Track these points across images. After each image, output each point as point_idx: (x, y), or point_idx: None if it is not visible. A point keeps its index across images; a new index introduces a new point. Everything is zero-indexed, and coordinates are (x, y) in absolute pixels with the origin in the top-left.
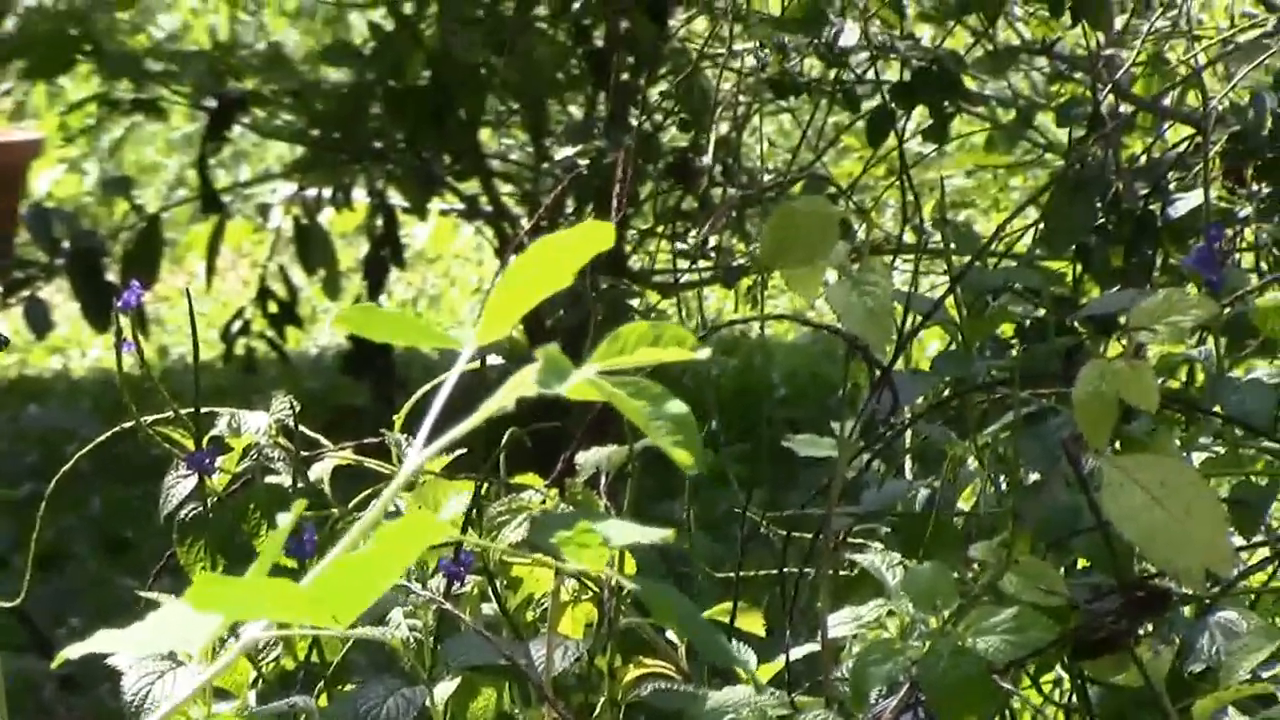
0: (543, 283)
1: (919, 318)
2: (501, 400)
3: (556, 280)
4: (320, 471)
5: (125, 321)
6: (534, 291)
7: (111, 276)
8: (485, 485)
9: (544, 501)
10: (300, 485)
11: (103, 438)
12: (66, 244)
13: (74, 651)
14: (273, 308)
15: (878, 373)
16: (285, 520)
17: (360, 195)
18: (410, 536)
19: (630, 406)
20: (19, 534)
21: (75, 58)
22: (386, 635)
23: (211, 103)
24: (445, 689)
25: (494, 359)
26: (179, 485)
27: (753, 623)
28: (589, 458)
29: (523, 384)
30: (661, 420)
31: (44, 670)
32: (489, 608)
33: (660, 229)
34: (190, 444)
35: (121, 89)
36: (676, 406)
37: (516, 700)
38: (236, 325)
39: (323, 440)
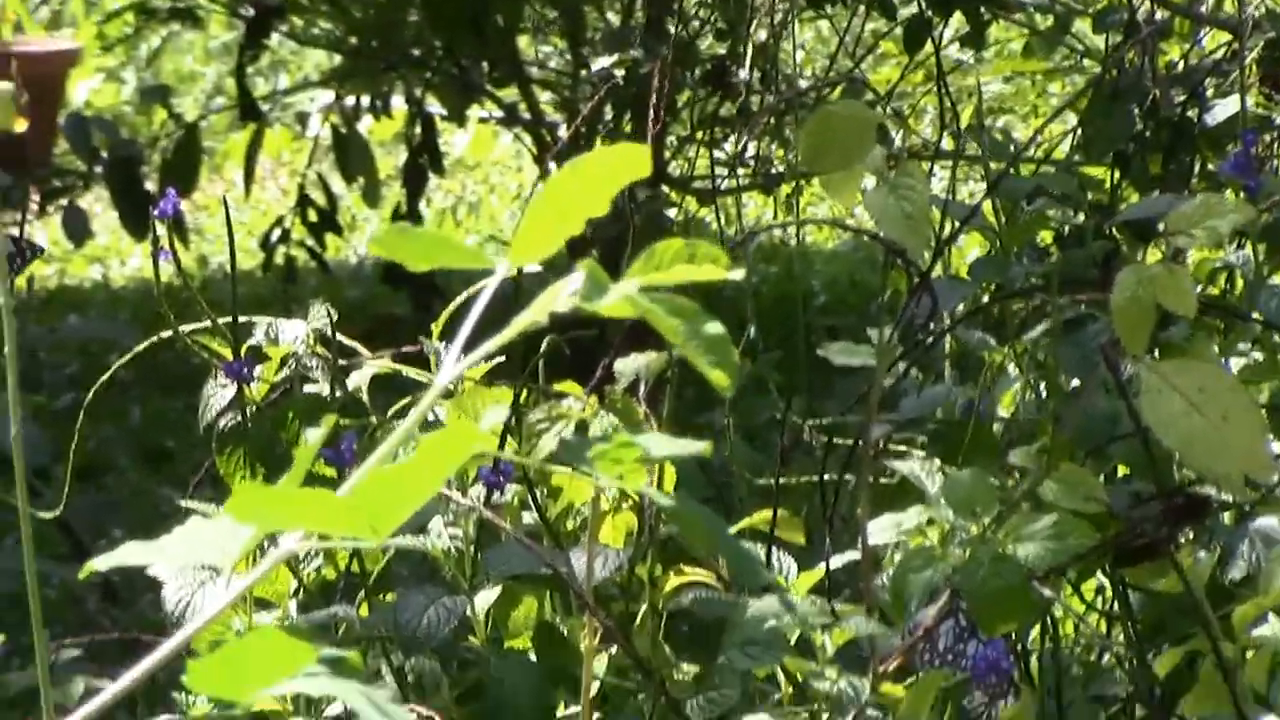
0: (577, 207)
1: (957, 223)
2: (536, 314)
3: (591, 206)
4: (359, 380)
5: (162, 230)
6: (568, 216)
7: (150, 185)
8: (524, 393)
9: (583, 410)
10: (338, 394)
11: (141, 347)
12: (105, 153)
13: (103, 563)
14: (312, 216)
15: (916, 279)
16: (319, 431)
17: (399, 103)
18: (450, 447)
19: (667, 324)
20: (59, 444)
21: None
22: (427, 545)
23: (249, 11)
24: (486, 598)
25: (532, 266)
26: (218, 395)
27: (793, 531)
28: (628, 365)
29: (556, 298)
30: (698, 339)
31: (86, 582)
32: (529, 516)
33: (699, 135)
34: (229, 354)
35: None
36: (713, 326)
37: (558, 609)
38: (276, 234)
39: (360, 349)
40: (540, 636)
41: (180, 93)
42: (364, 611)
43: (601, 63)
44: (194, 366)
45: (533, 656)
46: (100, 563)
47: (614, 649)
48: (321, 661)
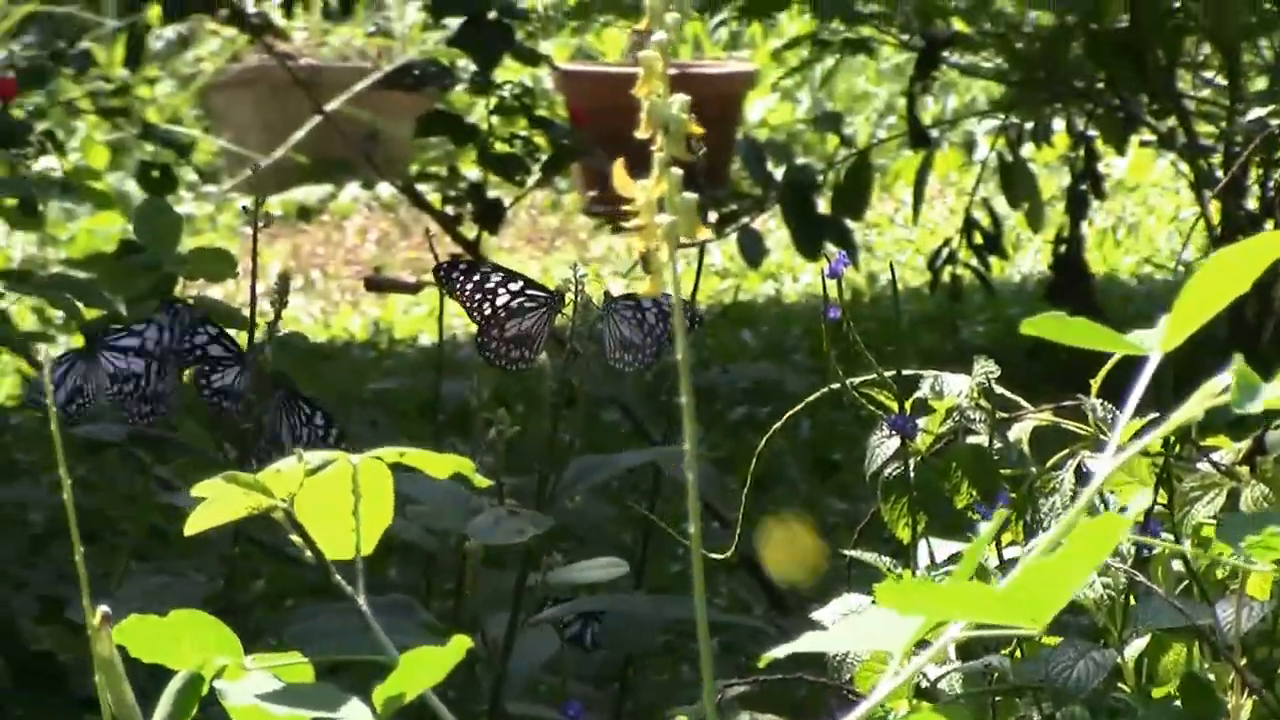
0: (1223, 291)
1: None
2: (1192, 410)
3: (1235, 288)
4: (1019, 433)
5: (832, 285)
6: (1215, 299)
7: (822, 206)
8: (1175, 443)
9: (1235, 479)
10: (998, 445)
11: (810, 399)
12: (778, 174)
13: (780, 651)
14: (977, 238)
15: None
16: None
17: (1059, 125)
18: (1101, 536)
19: None
20: (735, 455)
21: None
22: (1081, 595)
23: (919, 41)
24: (1135, 647)
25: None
26: (883, 445)
27: None
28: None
29: (1208, 396)
30: None
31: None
32: (1178, 564)
33: None
34: (894, 406)
35: (833, 28)
36: None
37: (1205, 655)
38: (943, 254)
39: (1022, 402)
40: (1186, 685)
41: (853, 112)
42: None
43: (1256, 112)
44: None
45: (1178, 704)
46: (779, 651)
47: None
48: None
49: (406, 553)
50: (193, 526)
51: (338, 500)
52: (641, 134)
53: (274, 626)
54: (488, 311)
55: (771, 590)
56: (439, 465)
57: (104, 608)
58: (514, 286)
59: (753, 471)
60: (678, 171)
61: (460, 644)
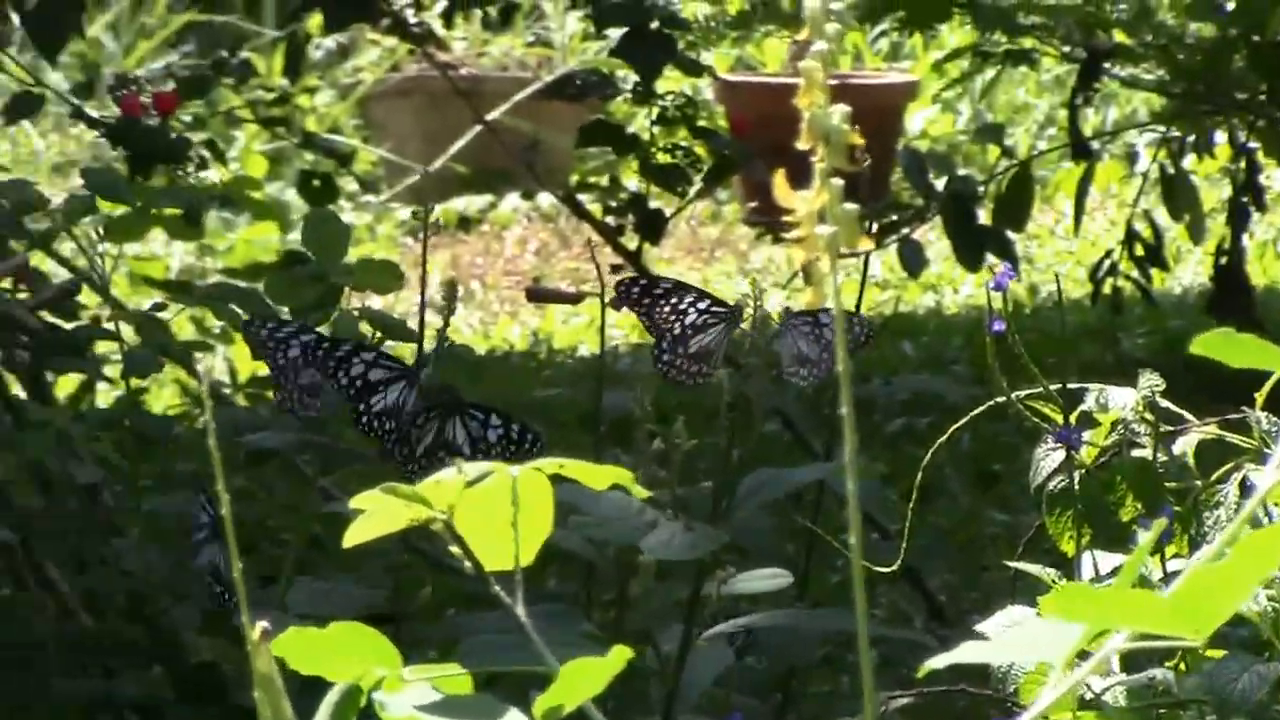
0: None
1: None
2: None
3: None
4: (1184, 446)
5: (995, 297)
6: None
7: (982, 217)
8: None
9: None
10: (1163, 458)
11: (974, 414)
12: (939, 185)
13: (939, 662)
14: (1139, 250)
15: None
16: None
17: (1220, 138)
18: (1265, 549)
19: None
20: (895, 467)
21: (952, 10)
22: (1244, 608)
23: (1081, 53)
24: None
25: None
26: (1048, 458)
27: None
28: None
29: None
30: None
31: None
32: None
33: None
34: (1059, 418)
35: (994, 40)
36: None
37: None
38: (1104, 266)
39: (1187, 415)
40: None
41: (1013, 123)
42: (1179, 674)
43: None
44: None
45: None
46: (937, 661)
47: None
48: None
49: (565, 563)
50: (352, 539)
51: (497, 512)
52: (802, 145)
53: (435, 636)
54: (677, 331)
55: (932, 602)
56: (598, 477)
57: (263, 623)
58: (702, 305)
59: (918, 484)
60: (839, 182)
61: (620, 654)
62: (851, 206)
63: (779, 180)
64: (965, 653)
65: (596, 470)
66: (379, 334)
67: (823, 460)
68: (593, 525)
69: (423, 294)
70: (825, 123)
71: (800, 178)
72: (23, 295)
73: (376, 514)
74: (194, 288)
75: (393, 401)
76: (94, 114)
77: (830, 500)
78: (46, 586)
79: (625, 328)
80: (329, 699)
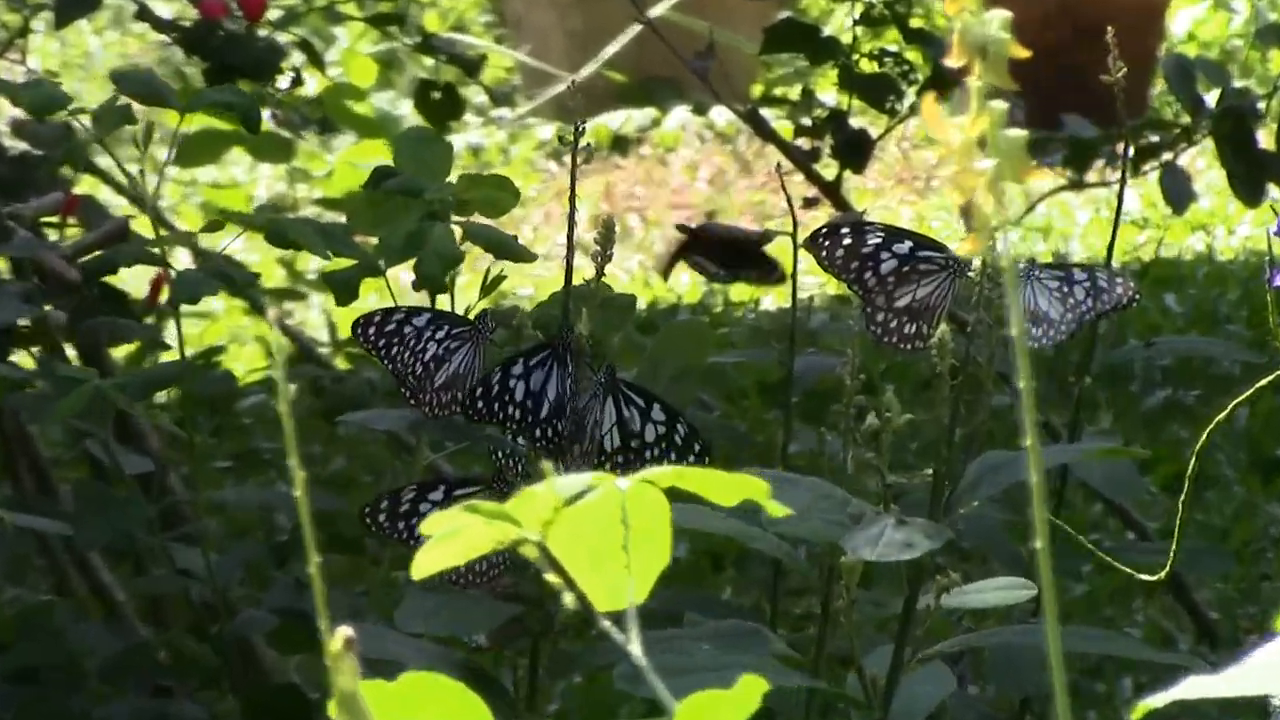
0: None
1: None
2: None
3: None
4: None
5: (1277, 242)
6: None
7: (1264, 141)
8: None
9: None
10: None
11: (1264, 383)
12: (1210, 100)
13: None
14: None
15: None
16: None
17: None
18: None
19: None
20: (1153, 451)
21: None
22: None
23: None
24: None
25: None
26: None
27: None
28: None
29: None
30: None
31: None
32: None
33: None
34: None
35: None
36: None
37: None
38: None
39: None
40: None
41: None
42: None
43: None
44: None
45: None
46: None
47: None
48: None
49: (742, 568)
50: (422, 569)
51: (602, 534)
52: (952, 61)
53: (581, 657)
54: (871, 282)
55: (1201, 618)
56: (726, 489)
57: (347, 630)
58: (900, 248)
59: (1190, 473)
60: (1000, 104)
61: (755, 686)
62: (1017, 133)
63: (927, 103)
64: (1237, 682)
65: (723, 481)
66: (492, 256)
67: (1065, 441)
68: (788, 520)
69: (570, 233)
70: (979, 32)
71: (1044, 96)
72: (73, 230)
73: (454, 536)
74: (263, 217)
75: (541, 383)
76: (165, 14)
77: (1074, 491)
78: (97, 591)
79: (820, 275)
80: None
